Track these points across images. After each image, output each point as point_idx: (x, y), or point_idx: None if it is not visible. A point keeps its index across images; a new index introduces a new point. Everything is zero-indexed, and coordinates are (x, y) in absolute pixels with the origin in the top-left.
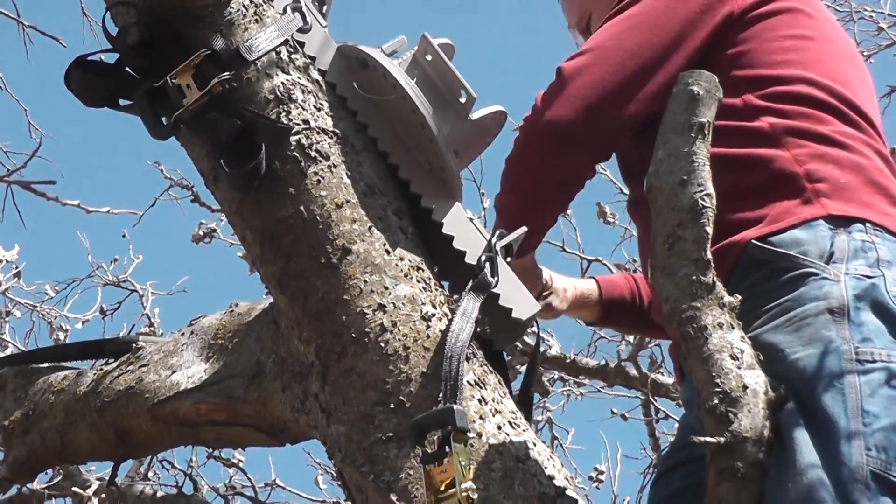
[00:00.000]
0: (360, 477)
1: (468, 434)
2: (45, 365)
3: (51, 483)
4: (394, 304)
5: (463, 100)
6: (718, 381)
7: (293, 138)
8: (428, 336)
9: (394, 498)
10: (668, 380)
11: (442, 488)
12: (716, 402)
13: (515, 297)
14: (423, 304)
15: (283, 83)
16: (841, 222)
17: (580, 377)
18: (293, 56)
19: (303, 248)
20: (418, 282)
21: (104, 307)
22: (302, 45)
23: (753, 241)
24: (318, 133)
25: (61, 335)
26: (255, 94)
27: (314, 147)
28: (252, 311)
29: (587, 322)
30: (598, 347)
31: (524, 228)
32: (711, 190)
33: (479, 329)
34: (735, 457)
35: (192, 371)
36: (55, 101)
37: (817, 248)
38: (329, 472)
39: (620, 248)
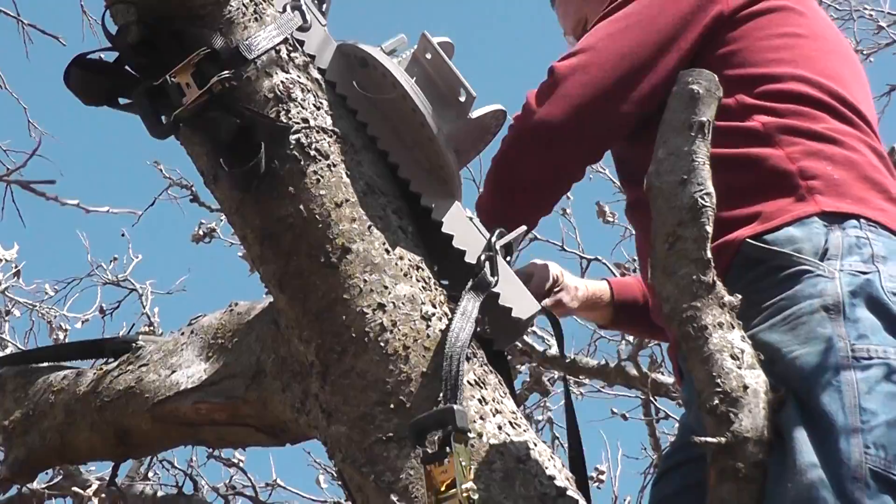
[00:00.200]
0: (361, 477)
1: (469, 434)
2: (45, 364)
3: (51, 483)
4: (393, 303)
5: (463, 98)
6: (719, 380)
7: (293, 137)
8: (428, 336)
9: (394, 498)
10: (668, 379)
11: (443, 488)
12: (716, 402)
13: (515, 297)
14: (423, 303)
15: (282, 82)
16: (835, 219)
17: (580, 377)
18: (293, 54)
19: (302, 248)
20: (418, 281)
21: (104, 306)
22: (301, 43)
23: (748, 239)
24: (317, 132)
25: (61, 334)
26: (255, 93)
27: (314, 146)
28: (252, 311)
29: (599, 325)
30: (597, 347)
31: (524, 227)
32: (711, 189)
33: (479, 328)
34: (736, 457)
35: (192, 371)
36: (55, 100)
37: (812, 246)
38: (330, 471)
39: (620, 248)
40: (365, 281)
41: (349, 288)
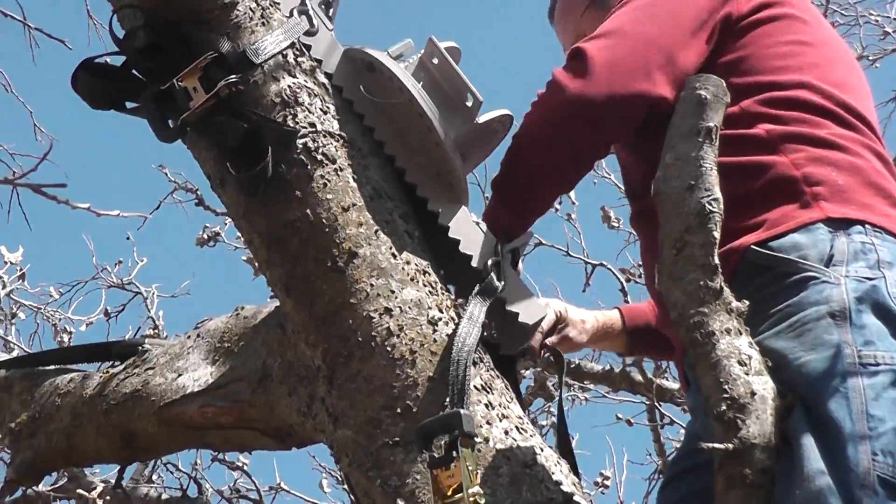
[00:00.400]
0: (367, 481)
1: (475, 439)
2: (52, 367)
3: (56, 485)
4: (400, 307)
5: (469, 103)
6: (727, 387)
7: (300, 141)
8: (434, 340)
9: (401, 503)
10: (673, 385)
11: (449, 493)
12: (724, 408)
13: (522, 302)
14: (430, 308)
15: (289, 86)
16: (840, 225)
17: (585, 382)
18: (300, 59)
19: (309, 252)
20: (425, 286)
21: (108, 309)
22: (308, 48)
23: (753, 246)
24: (324, 136)
25: (66, 337)
26: (262, 98)
27: (321, 150)
28: (258, 315)
29: (617, 353)
30: (602, 353)
31: (530, 234)
32: (719, 195)
33: (485, 333)
34: (744, 463)
35: (198, 374)
36: (61, 104)
37: (817, 252)
38: (334, 475)
39: (625, 253)
40: (372, 285)
41: (356, 292)
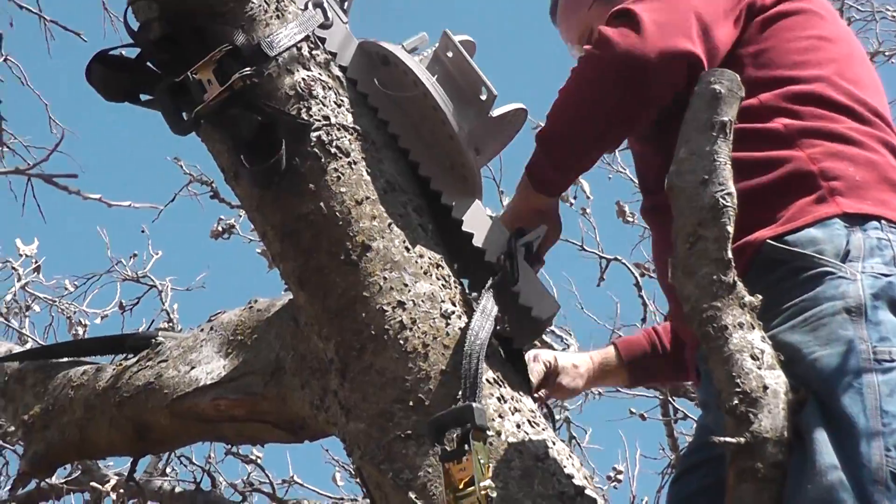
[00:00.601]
0: (379, 474)
1: (487, 432)
2: (65, 360)
3: (69, 478)
4: (413, 301)
5: (484, 97)
6: (739, 381)
7: (313, 134)
8: (447, 334)
9: (412, 496)
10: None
11: (461, 486)
12: (736, 402)
13: (535, 296)
14: (443, 301)
15: (303, 79)
16: (856, 220)
17: None
18: (314, 52)
19: (322, 245)
20: (438, 279)
21: (123, 302)
22: (323, 41)
23: (769, 240)
24: (338, 129)
25: (80, 330)
26: (276, 90)
27: (334, 143)
28: (272, 308)
29: (623, 387)
30: None
31: (544, 227)
32: (733, 189)
33: (498, 327)
34: (755, 458)
35: (211, 367)
36: (76, 97)
37: (833, 247)
38: (347, 469)
39: (640, 247)
40: (385, 278)
41: (369, 285)
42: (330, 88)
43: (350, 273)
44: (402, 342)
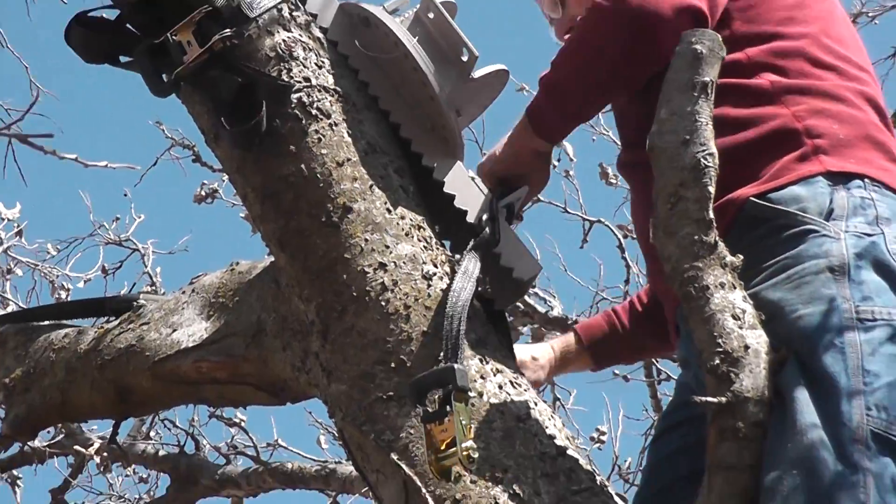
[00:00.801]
0: (361, 436)
1: (469, 393)
2: (46, 323)
3: (52, 441)
4: (395, 262)
5: (465, 58)
6: (720, 341)
7: (294, 96)
8: (429, 295)
9: (394, 457)
10: None
11: (442, 447)
12: (717, 361)
13: (517, 257)
14: (424, 263)
15: (284, 40)
16: (840, 178)
17: None
18: (294, 13)
19: (303, 207)
20: (419, 241)
21: (106, 266)
22: (304, 2)
23: (752, 198)
24: (319, 91)
25: (63, 294)
26: (256, 52)
27: (315, 105)
28: (253, 270)
29: (589, 370)
30: (599, 309)
31: (526, 188)
32: (714, 149)
33: (480, 288)
34: (736, 417)
35: (192, 329)
36: (57, 59)
37: (816, 205)
38: (331, 432)
39: (623, 209)
40: (366, 240)
41: (350, 247)
42: (311, 50)
43: (331, 235)
44: (383, 304)
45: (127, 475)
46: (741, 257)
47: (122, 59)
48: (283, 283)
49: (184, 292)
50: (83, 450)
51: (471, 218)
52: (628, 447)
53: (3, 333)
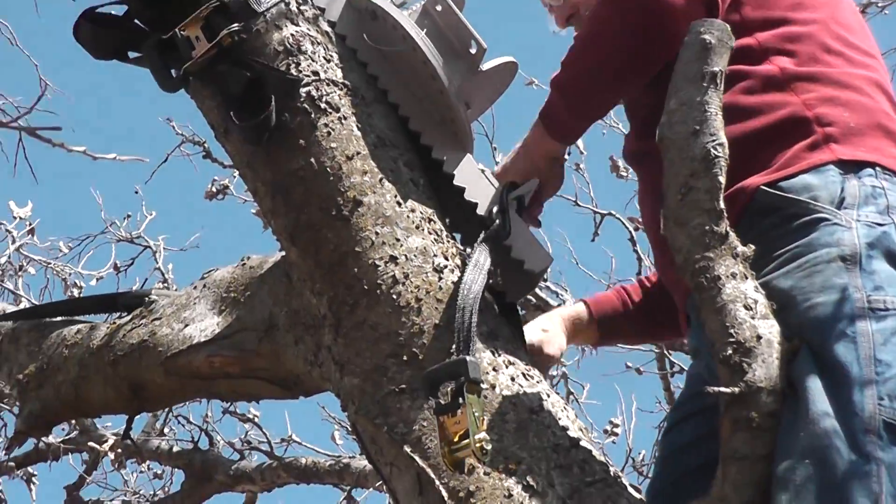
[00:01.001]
0: (374, 429)
1: (481, 385)
2: (59, 319)
3: (67, 438)
4: (406, 255)
5: (473, 51)
6: (732, 331)
7: (303, 90)
8: (440, 288)
9: (407, 449)
10: None
11: (456, 439)
12: (730, 352)
13: (528, 249)
14: (435, 255)
15: (292, 35)
16: (851, 167)
17: None
18: (302, 7)
19: (314, 200)
20: (430, 233)
21: (118, 263)
22: None
23: (762, 187)
24: (328, 85)
25: (76, 292)
26: (265, 46)
27: (324, 99)
28: (264, 265)
29: (590, 345)
30: None
31: (536, 181)
32: (724, 139)
33: (491, 281)
34: (749, 407)
35: (204, 324)
36: (66, 56)
37: (828, 194)
38: (345, 427)
39: (634, 202)
40: (377, 233)
41: (361, 240)
42: (319, 44)
43: (342, 228)
44: (394, 297)
45: (141, 471)
46: (752, 247)
47: (131, 54)
48: (294, 278)
49: (195, 287)
50: (97, 446)
51: (481, 210)
52: (642, 440)
53: (17, 330)
